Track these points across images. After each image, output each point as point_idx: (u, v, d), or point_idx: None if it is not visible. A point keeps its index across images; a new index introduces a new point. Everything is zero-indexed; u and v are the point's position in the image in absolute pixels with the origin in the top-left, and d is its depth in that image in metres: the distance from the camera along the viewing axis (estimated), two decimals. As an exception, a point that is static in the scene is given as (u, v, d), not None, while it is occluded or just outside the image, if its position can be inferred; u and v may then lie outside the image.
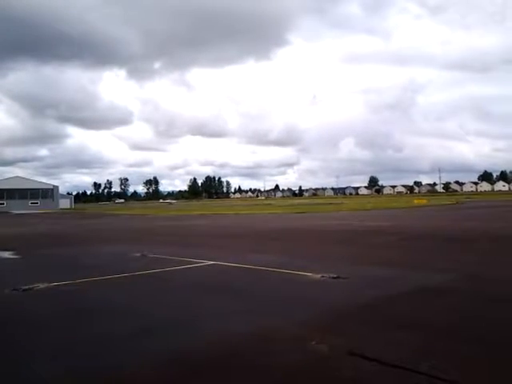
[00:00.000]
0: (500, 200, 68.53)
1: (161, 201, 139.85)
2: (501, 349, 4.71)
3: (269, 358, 4.60)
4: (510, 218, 28.89)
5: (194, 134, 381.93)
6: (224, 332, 5.51)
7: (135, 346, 5.15)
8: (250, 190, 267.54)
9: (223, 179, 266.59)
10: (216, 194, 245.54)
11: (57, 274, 10.15)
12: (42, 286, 8.69)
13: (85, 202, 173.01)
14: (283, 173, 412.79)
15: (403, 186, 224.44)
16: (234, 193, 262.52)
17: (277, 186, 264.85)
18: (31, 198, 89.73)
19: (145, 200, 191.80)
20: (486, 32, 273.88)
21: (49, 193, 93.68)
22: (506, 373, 4.14)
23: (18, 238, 22.56)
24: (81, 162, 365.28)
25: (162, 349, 4.94)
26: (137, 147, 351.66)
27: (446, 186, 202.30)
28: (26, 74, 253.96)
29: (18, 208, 74.57)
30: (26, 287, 8.53)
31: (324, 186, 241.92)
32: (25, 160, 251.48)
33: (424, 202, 65.01)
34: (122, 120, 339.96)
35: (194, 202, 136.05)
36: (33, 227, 31.49)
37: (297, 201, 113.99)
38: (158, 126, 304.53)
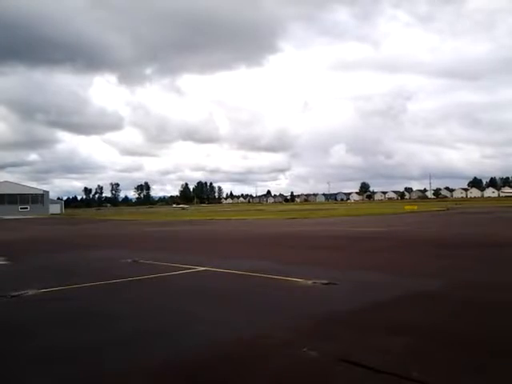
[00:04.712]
0: (489, 206, 69.20)
1: (174, 206, 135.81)
2: (491, 355, 4.74)
3: (260, 364, 4.59)
4: (499, 224, 29.26)
5: (185, 140, 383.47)
6: (215, 337, 5.50)
7: (129, 351, 5.11)
8: (242, 195, 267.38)
9: (215, 184, 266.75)
10: (208, 199, 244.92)
11: (47, 281, 10.05)
12: (31, 292, 8.59)
13: (75, 207, 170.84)
14: (275, 178, 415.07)
15: (394, 191, 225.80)
16: (226, 198, 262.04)
17: (268, 192, 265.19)
18: (21, 204, 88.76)
19: (137, 205, 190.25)
20: (475, 40, 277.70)
21: (39, 198, 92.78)
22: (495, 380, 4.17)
23: (7, 243, 22.30)
24: (71, 167, 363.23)
25: (155, 354, 4.92)
26: (128, 152, 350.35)
27: (437, 192, 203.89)
28: (15, 78, 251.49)
29: (7, 213, 73.54)
30: (15, 294, 8.43)
31: (315, 192, 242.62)
32: (14, 165, 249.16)
33: (415, 208, 65.37)
34: (113, 125, 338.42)
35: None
36: (23, 233, 31.15)
37: (288, 206, 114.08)
38: (148, 132, 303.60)
